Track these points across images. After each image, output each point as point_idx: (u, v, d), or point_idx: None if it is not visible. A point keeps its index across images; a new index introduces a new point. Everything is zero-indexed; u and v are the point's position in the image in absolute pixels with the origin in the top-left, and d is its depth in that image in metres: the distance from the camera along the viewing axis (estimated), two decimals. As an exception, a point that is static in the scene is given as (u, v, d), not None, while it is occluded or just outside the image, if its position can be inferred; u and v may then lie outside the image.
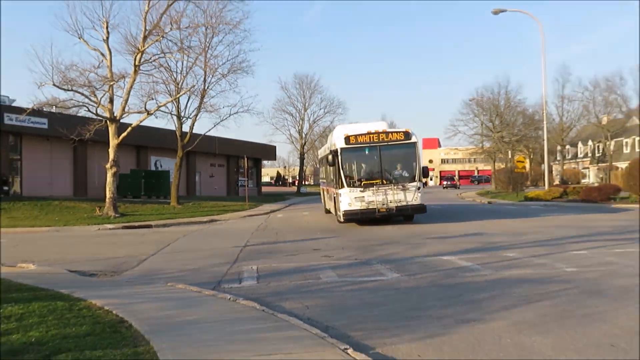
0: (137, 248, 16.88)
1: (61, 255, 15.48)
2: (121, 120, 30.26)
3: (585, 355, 6.14)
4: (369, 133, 20.77)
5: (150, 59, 31.17)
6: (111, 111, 29.40)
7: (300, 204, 44.27)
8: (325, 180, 28.79)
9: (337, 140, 21.20)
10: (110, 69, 29.22)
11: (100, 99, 28.98)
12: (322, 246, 16.21)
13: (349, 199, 20.40)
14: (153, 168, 49.62)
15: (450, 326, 7.40)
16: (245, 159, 44.32)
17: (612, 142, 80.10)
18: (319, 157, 33.85)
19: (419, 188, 20.80)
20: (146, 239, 19.48)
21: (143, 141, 45.65)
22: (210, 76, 37.13)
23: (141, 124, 32.41)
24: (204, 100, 37.58)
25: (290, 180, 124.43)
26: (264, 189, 79.88)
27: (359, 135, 20.79)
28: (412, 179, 20.89)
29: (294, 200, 50.05)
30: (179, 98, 36.48)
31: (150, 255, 15.35)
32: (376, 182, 20.57)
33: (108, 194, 28.88)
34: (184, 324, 7.46)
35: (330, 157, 21.16)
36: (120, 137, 29.53)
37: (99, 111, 29.47)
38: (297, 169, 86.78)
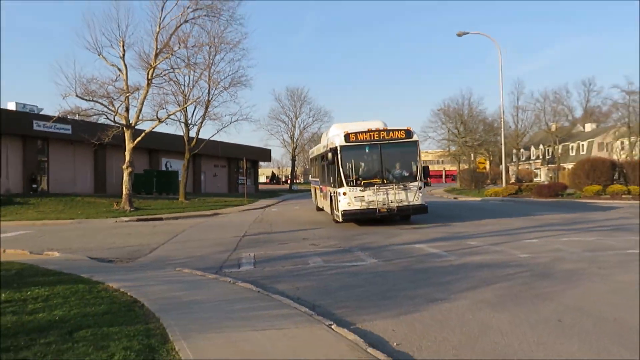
0: (149, 238, 16.77)
1: (83, 245, 15.35)
2: (136, 127, 30.05)
3: (537, 329, 6.17)
4: (369, 131, 17.81)
5: (161, 73, 31.04)
6: (127, 119, 29.23)
7: (292, 199, 44.19)
8: (318, 179, 25.25)
9: (336, 138, 18.17)
10: (126, 82, 29.05)
11: (118, 108, 28.84)
12: (310, 236, 16.19)
13: (349, 198, 17.35)
14: (164, 168, 49.34)
15: (421, 305, 7.42)
16: (244, 160, 44.19)
17: (560, 146, 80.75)
18: (310, 157, 29.60)
19: (420, 188, 17.79)
20: (157, 230, 19.35)
21: (155, 145, 45.38)
22: (214, 89, 37.25)
23: (153, 130, 32.27)
24: (208, 109, 37.71)
25: (283, 179, 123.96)
26: (261, 186, 79.60)
27: (359, 133, 17.77)
28: (414, 179, 17.84)
29: (287, 197, 49.94)
30: (186, 108, 36.45)
31: (160, 244, 15.26)
32: (376, 182, 17.58)
33: (124, 191, 28.71)
34: (189, 303, 7.41)
35: (329, 155, 18.09)
36: (135, 142, 29.39)
37: (117, 119, 29.30)
38: (289, 169, 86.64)
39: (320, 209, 25.41)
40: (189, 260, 12.01)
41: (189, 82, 36.57)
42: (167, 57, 30.25)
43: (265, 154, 71.36)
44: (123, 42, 29.04)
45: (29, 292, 7.89)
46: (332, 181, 18.85)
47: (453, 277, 9.32)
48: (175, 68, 32.35)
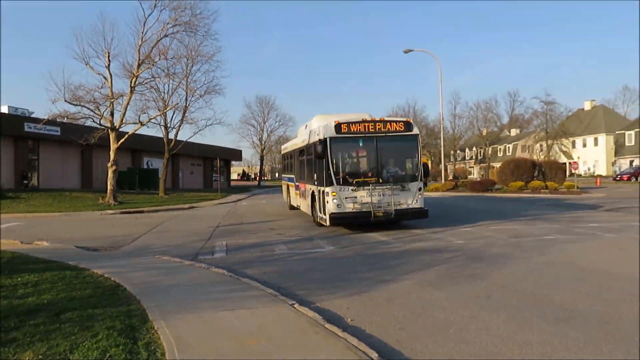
0: (131, 229, 16.35)
1: (70, 235, 14.85)
2: (120, 129, 29.30)
3: (469, 305, 6.28)
4: (364, 121, 13.78)
5: (143, 82, 30.34)
6: (112, 122, 28.42)
7: (261, 194, 43.87)
8: (293, 175, 20.56)
9: (324, 129, 13.92)
10: (111, 89, 28.27)
11: (103, 112, 28.03)
12: (276, 226, 16.07)
13: (338, 199, 13.42)
14: (145, 167, 48.25)
15: (372, 285, 7.46)
16: (218, 160, 43.84)
17: (490, 148, 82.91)
18: (283, 152, 25.14)
19: (420, 189, 14.07)
20: (139, 222, 18.89)
21: (137, 145, 44.26)
22: (191, 96, 36.67)
23: (136, 132, 31.58)
24: (186, 114, 37.02)
25: (253, 176, 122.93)
26: (233, 183, 78.87)
27: (352, 123, 13.70)
28: (413, 178, 14.00)
29: (256, 192, 49.52)
30: (165, 112, 35.70)
31: (142, 234, 14.90)
32: (371, 180, 13.62)
33: (109, 187, 27.94)
34: (168, 287, 7.27)
35: (317, 147, 13.70)
36: (119, 143, 28.62)
37: (102, 122, 28.43)
38: (258, 167, 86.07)
39: (294, 208, 21.44)
40: (167, 249, 11.77)
41: (169, 89, 36.00)
42: (148, 68, 29.53)
43: (236, 154, 70.58)
44: (108, 53, 28.30)
45: (19, 279, 7.59)
46: (316, 178, 14.80)
47: (400, 261, 9.41)
48: (156, 77, 31.60)
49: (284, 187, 24.35)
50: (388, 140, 13.86)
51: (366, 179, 13.67)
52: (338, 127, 13.70)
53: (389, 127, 13.93)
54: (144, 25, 29.07)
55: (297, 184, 19.50)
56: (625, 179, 50.57)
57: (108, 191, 27.92)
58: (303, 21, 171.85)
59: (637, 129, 64.42)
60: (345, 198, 13.53)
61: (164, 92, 35.93)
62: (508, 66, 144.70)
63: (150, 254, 10.94)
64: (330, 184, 13.56)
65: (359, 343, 4.73)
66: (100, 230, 16.08)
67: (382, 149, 13.78)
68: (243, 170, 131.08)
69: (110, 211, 23.67)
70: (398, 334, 5.27)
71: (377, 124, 13.85)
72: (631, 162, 63.53)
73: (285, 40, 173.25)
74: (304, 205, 17.75)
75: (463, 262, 9.21)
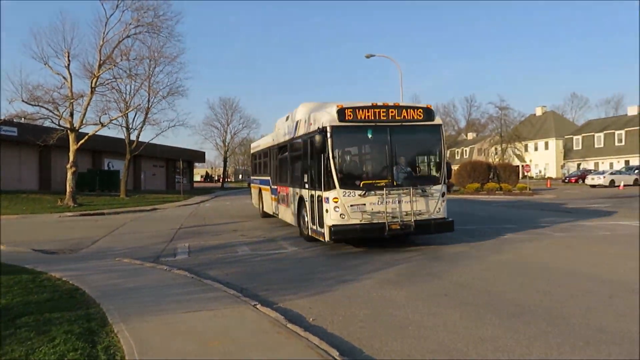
0: (91, 231, 15.85)
1: (28, 238, 14.29)
2: (80, 130, 28.41)
3: (428, 302, 6.39)
4: (374, 107, 10.63)
5: (104, 82, 29.56)
6: (71, 123, 27.52)
7: (224, 196, 43.37)
8: (269, 177, 16.92)
9: (323, 117, 10.71)
10: (70, 90, 27.40)
11: (62, 113, 27.14)
12: (239, 228, 15.93)
13: (342, 207, 10.20)
14: (106, 168, 46.94)
15: (333, 285, 7.49)
16: (181, 161, 43.21)
17: (448, 151, 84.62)
18: (253, 151, 21.02)
19: (443, 194, 11.04)
20: (99, 224, 18.36)
21: (98, 146, 42.95)
22: (153, 97, 36.12)
23: (96, 133, 30.73)
24: (148, 115, 36.39)
25: (216, 178, 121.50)
26: (196, 184, 77.59)
27: (359, 109, 10.56)
28: (435, 180, 10.96)
29: (219, 193, 48.91)
30: (127, 114, 34.93)
31: (102, 236, 14.47)
32: (384, 183, 10.39)
33: (68, 189, 27.00)
34: (128, 290, 7.09)
35: (314, 140, 10.43)
36: (79, 144, 27.74)
37: (61, 123, 27.50)
38: (222, 169, 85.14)
39: (268, 215, 17.78)
40: (128, 251, 11.47)
41: (131, 90, 35.11)
42: (110, 68, 28.77)
43: (199, 156, 69.62)
44: (68, 53, 27.48)
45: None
46: (308, 180, 11.68)
47: (361, 261, 9.49)
48: (118, 78, 30.86)
49: (254, 192, 20.68)
50: (404, 132, 10.70)
51: (377, 182, 10.39)
52: (341, 113, 10.36)
53: (405, 114, 10.74)
54: (106, 25, 28.43)
55: (274, 187, 16.10)
56: (572, 181, 52.82)
57: (67, 193, 27.00)
58: (271, 22, 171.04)
59: (584, 134, 67.34)
60: (351, 206, 10.19)
61: (125, 93, 35.13)
62: (466, 72, 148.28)
63: (111, 256, 10.64)
64: (330, 187, 10.21)
65: (320, 342, 4.74)
66: (59, 233, 15.54)
67: (397, 143, 10.60)
68: (206, 172, 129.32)
69: (69, 213, 22.92)
70: (359, 332, 5.32)
71: (390, 110, 10.64)
72: (578, 165, 66.31)
73: (250, 42, 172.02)
74: (286, 213, 14.31)
75: (422, 261, 9.37)
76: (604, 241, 11.33)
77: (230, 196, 42.19)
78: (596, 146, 65.53)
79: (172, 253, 11.17)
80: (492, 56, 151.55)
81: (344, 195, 10.17)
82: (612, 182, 41.77)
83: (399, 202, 10.42)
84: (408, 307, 6.23)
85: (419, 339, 5.07)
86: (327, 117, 10.44)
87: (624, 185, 39.67)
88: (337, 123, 10.28)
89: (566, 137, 70.89)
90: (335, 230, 10.12)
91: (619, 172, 45.23)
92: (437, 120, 11.12)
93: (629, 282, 7.20)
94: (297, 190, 12.70)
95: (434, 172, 11.18)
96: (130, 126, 37.14)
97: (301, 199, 12.36)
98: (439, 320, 5.67)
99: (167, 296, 6.66)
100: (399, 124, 10.64)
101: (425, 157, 11.61)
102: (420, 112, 10.88)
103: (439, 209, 10.82)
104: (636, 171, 45.09)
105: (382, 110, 10.59)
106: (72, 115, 27.71)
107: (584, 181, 48.18)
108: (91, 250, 12.02)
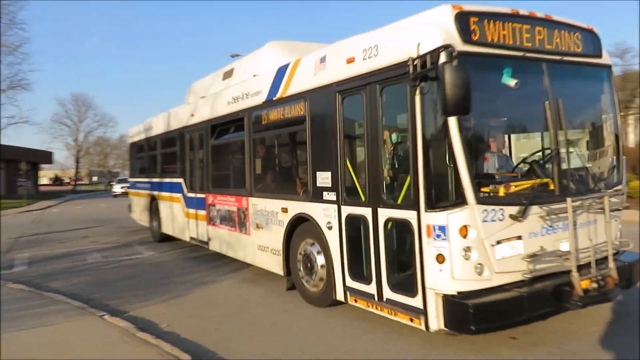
0: None
1: None
2: None
3: (284, 299, 6.44)
4: (516, 16, 4.52)
5: None
6: None
7: (76, 200, 39.58)
8: (180, 179, 10.19)
9: (427, 30, 4.25)
10: None
11: None
12: (91, 234, 14.59)
13: (480, 246, 4.07)
14: None
15: (190, 288, 7.24)
16: (23, 162, 38.43)
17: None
18: (134, 139, 14.06)
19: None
20: None
21: None
22: (-11, 90, 31.49)
23: None
24: (-19, 111, 31.68)
25: (67, 180, 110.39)
26: (43, 188, 69.38)
27: (491, 18, 4.31)
28: (614, 177, 5.25)
29: (70, 197, 44.48)
30: (-46, 108, 30.08)
31: None
32: (552, 187, 4.46)
33: None
34: (-54, 310, 6.05)
35: (414, 83, 4.15)
36: None
37: None
38: (74, 171, 77.39)
39: (174, 239, 11.24)
40: (-49, 266, 9.85)
41: (-40, 81, 30.33)
42: None
43: (46, 156, 62.52)
44: None
45: None
46: (358, 186, 5.23)
47: (220, 262, 9.24)
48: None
49: (140, 201, 13.41)
50: (569, 76, 5.02)
51: (527, 183, 4.62)
52: (464, 21, 4.28)
53: (565, 38, 4.95)
54: None
55: (198, 195, 9.33)
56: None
57: None
58: (128, 18, 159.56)
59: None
60: (498, 243, 4.22)
61: (-47, 85, 30.21)
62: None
63: None
64: (448, 199, 4.21)
65: (172, 348, 4.52)
66: None
67: (564, 96, 4.80)
68: (55, 174, 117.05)
69: None
70: (214, 335, 5.18)
71: (538, 28, 4.72)
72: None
73: (107, 37, 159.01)
74: (271, 262, 6.99)
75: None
76: None
77: (83, 200, 38.79)
78: None
79: (8, 265, 9.82)
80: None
81: (484, 220, 4.16)
82: None
83: (588, 224, 4.75)
84: (265, 304, 6.24)
85: (275, 335, 5.10)
86: (437, 32, 4.25)
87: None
88: (462, 47, 4.21)
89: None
90: (479, 308, 4.04)
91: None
92: (605, 59, 5.42)
93: None
94: (295, 205, 6.25)
95: (609, 161, 5.43)
96: (-40, 123, 32.09)
97: (313, 227, 5.87)
98: (293, 315, 5.75)
99: (-4, 314, 5.82)
100: (559, 57, 4.86)
101: (598, 132, 5.53)
102: (578, 37, 5.06)
103: (619, 231, 5.25)
104: None
105: (525, 26, 4.64)
106: None
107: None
108: None
